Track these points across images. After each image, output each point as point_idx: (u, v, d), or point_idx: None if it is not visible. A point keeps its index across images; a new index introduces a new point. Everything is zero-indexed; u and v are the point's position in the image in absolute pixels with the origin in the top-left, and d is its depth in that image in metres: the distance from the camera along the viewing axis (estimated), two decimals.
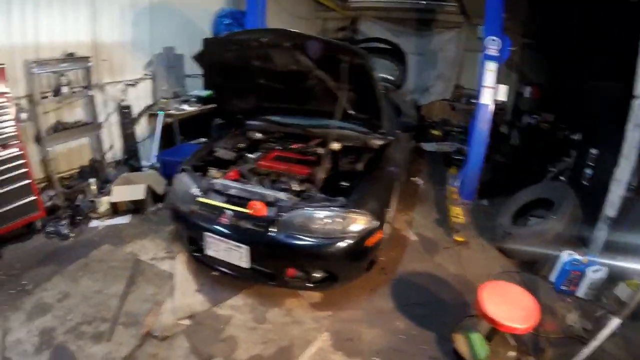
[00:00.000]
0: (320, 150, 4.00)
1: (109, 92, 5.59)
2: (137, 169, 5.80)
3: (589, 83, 5.36)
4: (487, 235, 4.56)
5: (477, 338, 2.76)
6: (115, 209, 4.81)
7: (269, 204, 3.11)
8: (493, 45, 4.75)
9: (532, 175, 5.49)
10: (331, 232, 2.94)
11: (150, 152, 5.99)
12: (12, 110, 4.00)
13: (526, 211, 4.41)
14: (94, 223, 4.66)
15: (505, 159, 6.72)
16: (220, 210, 3.16)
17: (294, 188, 3.42)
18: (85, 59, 4.91)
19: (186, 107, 6.17)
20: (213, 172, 3.70)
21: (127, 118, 5.72)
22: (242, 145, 4.44)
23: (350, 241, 2.96)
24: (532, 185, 4.73)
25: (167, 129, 6.05)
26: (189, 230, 3.42)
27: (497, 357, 2.69)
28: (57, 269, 3.79)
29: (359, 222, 3.00)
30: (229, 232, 3.06)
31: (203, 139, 6.68)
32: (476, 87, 8.50)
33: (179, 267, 3.82)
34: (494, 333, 2.68)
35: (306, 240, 2.94)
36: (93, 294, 3.45)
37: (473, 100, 8.55)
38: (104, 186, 5.15)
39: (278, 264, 3.12)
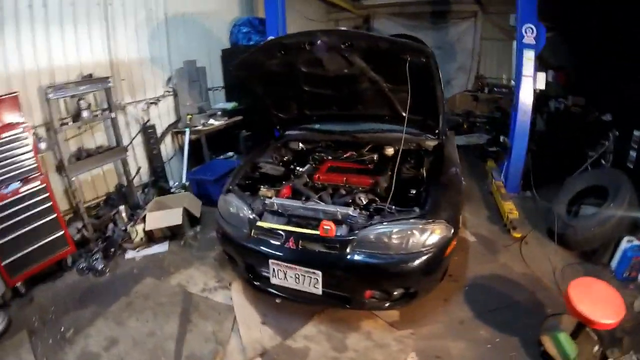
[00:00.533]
0: (376, 157, 3.67)
1: (130, 113, 5.16)
2: (167, 190, 5.33)
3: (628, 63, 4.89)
4: (541, 228, 4.21)
5: (564, 338, 2.64)
6: (151, 237, 4.33)
7: (338, 222, 2.74)
8: (530, 33, 4.51)
9: (570, 161, 5.15)
10: (411, 247, 2.58)
11: (178, 172, 5.54)
12: (29, 141, 3.58)
13: (577, 200, 4.15)
14: (129, 254, 4.17)
15: (535, 146, 6.26)
16: (286, 234, 2.73)
17: (360, 202, 3.00)
18: (104, 79, 4.46)
19: (213, 122, 5.73)
20: (264, 190, 3.26)
21: (152, 138, 5.27)
22: (286, 158, 3.95)
23: (431, 254, 2.60)
24: (573, 171, 4.63)
25: (194, 145, 5.61)
26: (248, 258, 2.94)
27: (585, 354, 2.60)
28: (98, 310, 3.32)
29: (436, 233, 2.64)
30: (298, 257, 2.66)
31: (230, 153, 6.23)
32: (496, 75, 8.41)
33: (236, 297, 3.32)
34: (579, 330, 2.60)
35: (386, 259, 2.56)
36: (145, 338, 2.96)
37: (497, 89, 8.18)
38: (135, 212, 4.69)
39: (355, 287, 2.71)
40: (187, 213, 4.43)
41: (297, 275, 2.65)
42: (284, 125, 4.21)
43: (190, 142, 5.51)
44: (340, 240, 2.62)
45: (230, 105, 6.09)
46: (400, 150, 3.34)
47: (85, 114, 4.35)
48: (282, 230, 2.75)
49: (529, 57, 4.55)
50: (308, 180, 3.43)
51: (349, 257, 2.56)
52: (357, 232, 2.62)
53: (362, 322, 2.99)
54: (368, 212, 2.84)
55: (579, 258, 3.69)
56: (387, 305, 2.79)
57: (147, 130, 5.28)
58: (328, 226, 2.60)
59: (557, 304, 2.97)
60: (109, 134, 4.87)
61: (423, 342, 2.81)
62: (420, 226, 2.61)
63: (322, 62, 3.15)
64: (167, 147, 5.75)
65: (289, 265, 2.64)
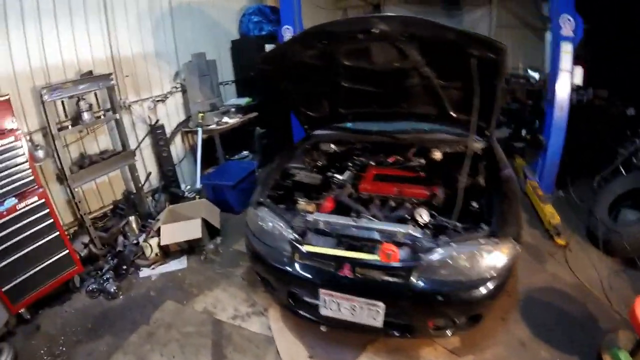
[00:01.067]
0: (423, 162, 3.18)
1: (136, 112, 4.60)
2: (179, 196, 4.81)
3: None
4: (580, 232, 3.88)
5: (624, 355, 2.36)
6: (166, 251, 3.82)
7: (397, 243, 2.28)
8: (568, 25, 4.05)
9: (597, 158, 4.77)
10: (482, 270, 2.17)
11: (190, 175, 5.04)
12: (24, 150, 3.07)
13: (616, 204, 3.82)
14: (144, 272, 3.66)
15: None
16: (339, 259, 2.26)
17: (421, 219, 2.52)
18: (106, 76, 3.89)
19: (227, 120, 5.16)
20: (303, 204, 2.77)
21: (161, 139, 4.72)
22: (320, 163, 3.37)
23: (502, 277, 2.20)
24: (600, 169, 4.43)
25: (206, 145, 5.05)
26: (290, 285, 2.44)
27: None
28: (115, 342, 2.84)
29: (505, 253, 2.23)
30: (357, 287, 2.21)
31: (245, 153, 5.70)
32: (513, 65, 7.85)
33: (275, 326, 2.81)
34: (638, 346, 2.33)
35: (456, 286, 2.16)
36: None
37: (514, 80, 7.63)
38: (146, 223, 4.17)
39: (420, 316, 2.29)
40: (205, 224, 3.90)
41: (353, 307, 2.21)
42: (313, 125, 3.61)
43: (203, 142, 4.98)
44: (404, 266, 2.18)
45: (244, 101, 5.53)
46: (449, 155, 3.02)
47: (86, 116, 3.79)
48: (335, 257, 2.28)
49: (567, 50, 4.14)
50: (353, 191, 2.91)
51: (416, 285, 2.13)
52: (421, 255, 2.20)
53: (421, 350, 2.58)
54: (431, 231, 2.43)
55: (623, 265, 3.36)
56: (451, 332, 2.36)
57: (156, 131, 4.72)
58: (391, 251, 2.16)
59: (609, 317, 2.78)
60: (114, 137, 4.32)
61: None
62: (491, 247, 2.19)
63: (369, 53, 2.66)
64: (177, 149, 5.21)
65: (344, 295, 2.20)
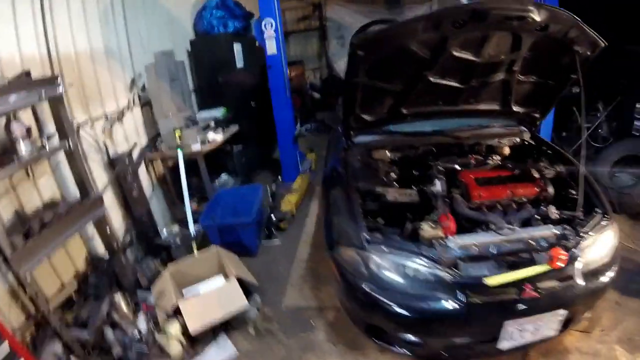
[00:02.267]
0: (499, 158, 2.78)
1: (86, 137, 3.00)
2: (164, 248, 3.33)
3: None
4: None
5: None
6: (193, 337, 2.39)
7: (551, 245, 2.00)
8: None
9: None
10: (611, 252, 2.09)
11: (163, 216, 3.78)
12: None
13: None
14: None
15: None
16: (520, 282, 1.86)
17: (555, 216, 2.20)
18: (50, 81, 2.34)
19: (214, 137, 3.80)
20: (430, 230, 2.06)
21: (127, 173, 3.17)
22: (393, 174, 2.56)
23: (619, 252, 2.15)
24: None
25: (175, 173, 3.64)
26: (457, 332, 1.95)
27: None
28: None
29: (615, 229, 2.17)
30: (544, 304, 1.88)
31: (225, 176, 4.33)
32: None
33: None
34: None
35: (604, 270, 2.03)
36: None
37: None
38: (141, 299, 2.67)
39: (583, 309, 2.11)
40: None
41: (537, 326, 1.91)
42: (357, 130, 2.80)
43: (171, 169, 3.57)
44: (574, 268, 1.93)
45: (220, 113, 4.19)
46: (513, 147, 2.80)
47: (23, 147, 2.21)
48: (517, 280, 1.86)
49: None
50: (463, 200, 2.28)
51: (581, 281, 1.92)
52: (574, 251, 1.97)
53: (565, 341, 2.27)
54: (565, 227, 2.11)
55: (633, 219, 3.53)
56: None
57: (120, 162, 3.17)
58: (563, 255, 1.87)
59: None
60: (62, 177, 2.73)
61: (615, 333, 2.30)
62: (610, 229, 2.13)
63: (483, 44, 2.21)
64: (142, 183, 3.61)
65: (530, 319, 1.87)
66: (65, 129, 2.48)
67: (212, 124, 3.90)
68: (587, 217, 2.12)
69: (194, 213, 3.62)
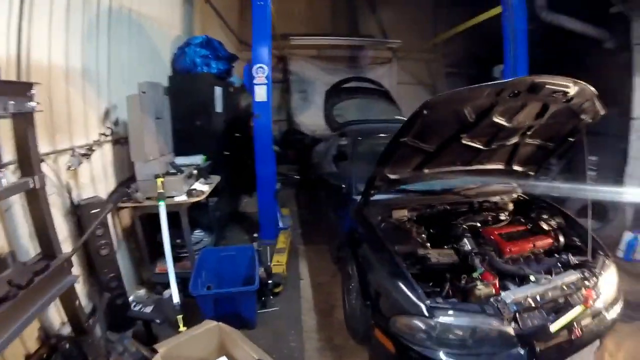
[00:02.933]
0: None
1: (49, 174, 2.21)
2: (132, 320, 2.49)
3: None
4: None
5: None
6: None
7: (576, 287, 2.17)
8: None
9: None
10: (618, 288, 2.34)
11: (130, 278, 2.98)
12: None
13: None
14: None
15: None
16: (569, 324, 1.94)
17: (572, 262, 2.36)
18: (22, 88, 1.66)
19: (201, 187, 3.16)
20: (483, 288, 2.06)
21: (92, 225, 2.36)
22: (422, 235, 2.51)
23: None
24: None
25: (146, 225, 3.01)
26: None
27: None
28: None
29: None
30: (584, 341, 1.98)
31: (200, 232, 3.59)
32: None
33: None
34: None
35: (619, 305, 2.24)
36: None
37: None
38: None
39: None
40: None
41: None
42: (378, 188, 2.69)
43: (143, 221, 2.92)
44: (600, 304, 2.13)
45: (200, 160, 3.56)
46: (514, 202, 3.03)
47: None
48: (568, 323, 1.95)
49: None
50: (495, 257, 2.32)
51: (608, 314, 2.13)
52: (598, 290, 2.13)
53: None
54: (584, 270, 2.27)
55: None
56: None
57: (87, 210, 2.39)
58: (594, 294, 2.06)
59: None
60: (15, 228, 1.91)
61: (621, 354, 2.44)
62: (614, 267, 2.37)
63: (519, 112, 2.28)
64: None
65: (578, 354, 1.96)
66: (31, 160, 1.75)
67: (194, 172, 3.26)
68: (594, 260, 2.32)
69: (165, 275, 2.90)
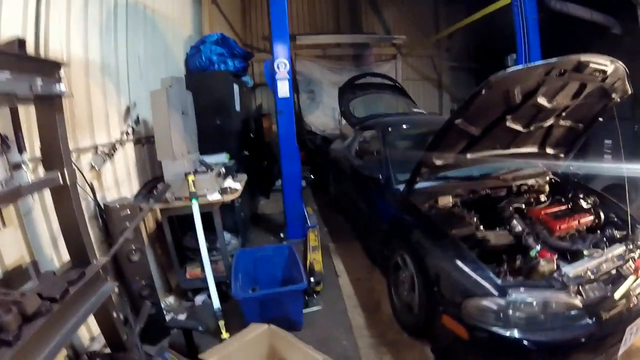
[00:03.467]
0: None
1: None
2: (167, 330, 2.26)
3: None
4: None
5: None
6: None
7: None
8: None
9: None
10: None
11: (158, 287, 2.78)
12: None
13: None
14: None
15: None
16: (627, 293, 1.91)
17: (617, 236, 2.35)
18: (52, 67, 1.43)
19: (234, 185, 2.91)
20: (545, 264, 2.04)
21: (124, 230, 2.13)
22: (473, 219, 2.45)
23: None
24: None
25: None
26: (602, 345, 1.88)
27: None
28: None
29: None
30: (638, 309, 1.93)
31: (227, 235, 3.34)
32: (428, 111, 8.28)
33: None
34: None
35: None
36: None
37: None
38: None
39: None
40: None
41: (635, 329, 1.93)
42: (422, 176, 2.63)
43: (171, 224, 2.71)
44: None
45: (225, 158, 3.34)
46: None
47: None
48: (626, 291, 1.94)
49: None
50: (548, 235, 2.34)
51: None
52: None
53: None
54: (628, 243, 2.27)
55: None
56: None
57: (117, 213, 2.15)
58: None
59: None
60: (35, 233, 1.67)
61: None
62: None
63: (559, 92, 2.24)
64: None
65: (635, 322, 1.91)
66: (59, 151, 1.51)
67: (223, 170, 3.03)
68: (633, 234, 2.29)
69: (196, 280, 2.68)
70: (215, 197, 2.70)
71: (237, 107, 4.04)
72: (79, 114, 2.11)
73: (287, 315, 2.36)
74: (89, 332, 2.00)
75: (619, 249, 2.15)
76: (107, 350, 1.78)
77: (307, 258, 3.34)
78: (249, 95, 5.18)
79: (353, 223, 4.15)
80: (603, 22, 4.57)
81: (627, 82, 2.31)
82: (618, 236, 2.33)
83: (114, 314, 1.66)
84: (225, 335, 2.32)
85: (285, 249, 2.92)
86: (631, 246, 2.17)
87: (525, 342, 1.74)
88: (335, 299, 2.91)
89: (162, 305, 2.71)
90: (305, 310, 2.67)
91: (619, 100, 2.43)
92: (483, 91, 1.94)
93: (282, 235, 4.06)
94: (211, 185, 2.72)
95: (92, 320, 1.87)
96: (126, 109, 2.67)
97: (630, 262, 2.06)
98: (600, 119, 2.61)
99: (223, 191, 2.76)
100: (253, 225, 4.52)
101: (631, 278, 1.97)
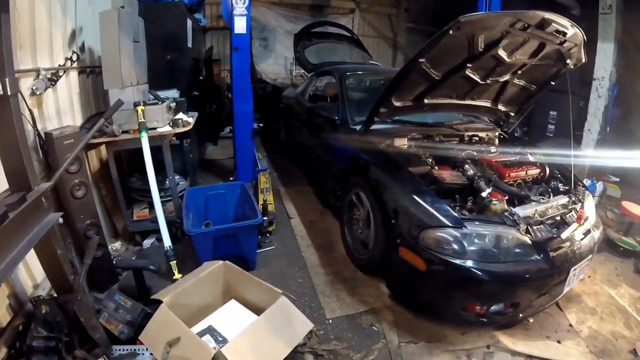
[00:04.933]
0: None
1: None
2: (115, 273, 2.27)
3: None
4: None
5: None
6: None
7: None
8: None
9: None
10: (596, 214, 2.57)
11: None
12: None
13: None
14: None
15: None
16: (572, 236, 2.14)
17: (562, 189, 2.53)
18: None
19: (186, 118, 2.80)
20: (498, 203, 2.16)
21: (72, 160, 1.99)
22: (429, 159, 2.54)
23: None
24: None
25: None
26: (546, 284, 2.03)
27: None
28: None
29: None
30: (584, 252, 2.15)
31: (175, 176, 3.26)
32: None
33: None
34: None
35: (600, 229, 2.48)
36: None
37: None
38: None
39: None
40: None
41: (578, 272, 2.15)
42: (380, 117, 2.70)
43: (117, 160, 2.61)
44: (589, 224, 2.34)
45: (175, 94, 3.16)
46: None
47: None
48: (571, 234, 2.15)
49: None
50: (499, 180, 2.45)
51: (594, 234, 2.32)
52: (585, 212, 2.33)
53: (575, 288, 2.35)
54: (571, 195, 2.47)
55: None
56: None
57: (61, 143, 1.99)
58: (584, 214, 2.26)
59: None
60: None
61: (597, 277, 2.34)
62: (591, 197, 2.64)
63: (519, 48, 2.30)
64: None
65: (580, 264, 2.12)
66: (2, 57, 1.34)
67: (173, 104, 2.87)
68: (575, 190, 2.46)
69: (144, 222, 2.65)
70: (166, 129, 2.59)
71: (189, 44, 3.76)
72: (21, 30, 1.86)
73: (242, 253, 2.42)
74: (32, 280, 1.90)
75: (563, 200, 2.32)
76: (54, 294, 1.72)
77: (259, 199, 3.39)
78: (201, 37, 4.81)
79: (305, 167, 4.23)
80: (565, 3, 4.71)
81: (583, 50, 2.39)
82: (562, 189, 2.47)
83: (59, 251, 1.54)
84: (177, 276, 2.31)
85: (237, 187, 2.93)
86: (574, 198, 2.35)
87: (479, 273, 1.83)
88: (289, 239, 3.01)
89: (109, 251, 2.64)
90: (258, 250, 2.75)
91: (572, 67, 2.52)
92: (450, 31, 1.94)
93: (231, 179, 4.04)
94: (162, 117, 2.59)
95: (35, 266, 1.83)
96: (71, 33, 2.39)
97: (573, 212, 2.25)
98: (552, 83, 2.70)
99: (174, 123, 2.65)
100: (201, 170, 4.42)
101: (574, 225, 2.16)
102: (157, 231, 2.52)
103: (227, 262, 2.10)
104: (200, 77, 4.64)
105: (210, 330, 1.82)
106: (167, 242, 2.42)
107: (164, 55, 3.41)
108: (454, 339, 2.04)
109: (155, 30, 3.29)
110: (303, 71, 5.53)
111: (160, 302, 1.76)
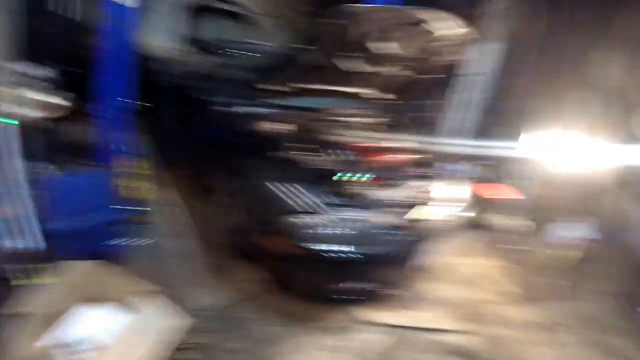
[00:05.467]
0: None
1: None
2: None
3: None
4: None
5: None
6: None
7: None
8: None
9: None
10: None
11: None
12: None
13: None
14: None
15: None
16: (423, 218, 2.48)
17: (420, 174, 2.78)
18: None
19: (59, 101, 2.59)
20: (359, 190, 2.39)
21: None
22: (299, 146, 2.59)
23: None
24: None
25: None
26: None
27: None
28: None
29: None
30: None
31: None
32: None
33: None
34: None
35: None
36: None
37: None
38: None
39: None
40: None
41: (433, 247, 2.57)
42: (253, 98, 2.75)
43: None
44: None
45: (43, 71, 2.73)
46: None
47: None
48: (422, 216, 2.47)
49: None
50: (363, 164, 2.60)
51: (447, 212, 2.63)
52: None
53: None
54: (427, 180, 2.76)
55: None
56: None
57: None
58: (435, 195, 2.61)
59: None
60: None
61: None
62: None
63: (404, 40, 2.42)
64: None
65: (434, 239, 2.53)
66: None
67: (41, 83, 2.54)
68: (431, 173, 2.71)
69: None
70: (32, 114, 2.36)
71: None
72: None
73: (109, 248, 2.38)
74: None
75: (418, 183, 2.54)
76: None
77: (128, 187, 3.23)
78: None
79: (187, 151, 3.98)
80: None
81: (462, 47, 2.55)
82: (419, 174, 2.66)
83: None
84: (38, 281, 2.07)
85: (101, 175, 2.73)
86: (426, 182, 2.56)
87: (339, 255, 2.00)
88: (164, 228, 2.95)
89: None
90: (130, 242, 2.67)
91: (453, 62, 2.79)
92: (339, 20, 2.12)
93: (92, 163, 3.70)
94: (30, 100, 2.34)
95: None
96: None
97: (425, 194, 2.48)
98: (438, 75, 2.85)
99: (38, 105, 2.39)
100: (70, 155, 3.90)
101: (424, 206, 2.41)
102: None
103: (90, 262, 2.03)
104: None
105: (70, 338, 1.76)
106: (21, 243, 2.20)
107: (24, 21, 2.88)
108: (319, 317, 2.31)
109: None
110: (192, 48, 5.22)
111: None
